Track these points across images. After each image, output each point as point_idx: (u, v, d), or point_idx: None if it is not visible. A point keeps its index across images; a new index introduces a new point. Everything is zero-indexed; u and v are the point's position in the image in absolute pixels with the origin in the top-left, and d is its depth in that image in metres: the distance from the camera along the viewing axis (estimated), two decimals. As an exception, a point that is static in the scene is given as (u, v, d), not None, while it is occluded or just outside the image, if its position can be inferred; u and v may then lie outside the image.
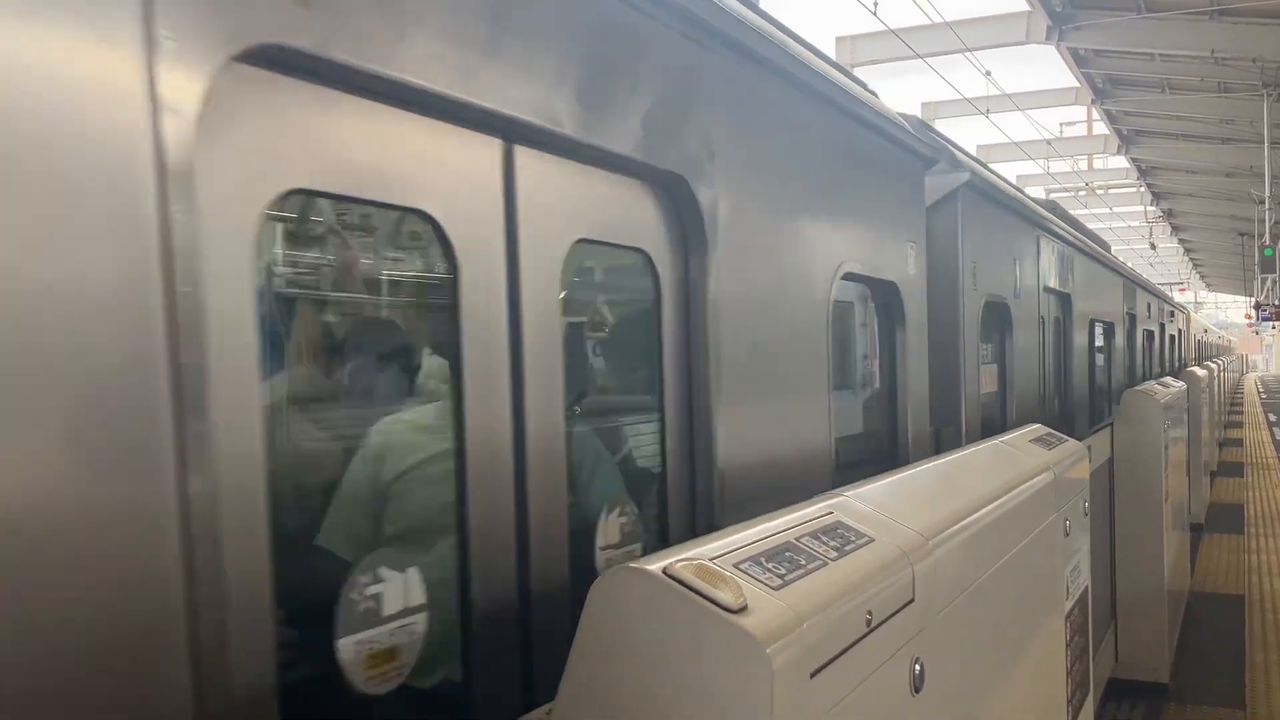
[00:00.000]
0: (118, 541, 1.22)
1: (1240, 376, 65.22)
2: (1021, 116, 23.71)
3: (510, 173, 2.00)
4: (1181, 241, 44.56)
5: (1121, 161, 28.45)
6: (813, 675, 1.57)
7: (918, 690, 2.00)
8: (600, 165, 2.23)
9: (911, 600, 2.00)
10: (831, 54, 3.86)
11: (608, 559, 2.34)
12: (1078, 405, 7.06)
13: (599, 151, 2.16)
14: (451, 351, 1.88)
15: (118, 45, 1.22)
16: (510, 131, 1.98)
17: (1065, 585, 3.63)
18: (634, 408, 2.67)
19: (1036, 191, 31.37)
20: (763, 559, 1.70)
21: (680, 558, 1.56)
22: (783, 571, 1.68)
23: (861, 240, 3.59)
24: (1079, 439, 4.24)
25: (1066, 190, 32.74)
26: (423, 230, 1.89)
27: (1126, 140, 24.56)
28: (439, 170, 1.85)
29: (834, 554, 1.85)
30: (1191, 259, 51.90)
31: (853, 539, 1.97)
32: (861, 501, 2.24)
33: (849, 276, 3.47)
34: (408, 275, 2.32)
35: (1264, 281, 25.96)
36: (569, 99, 2.03)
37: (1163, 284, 35.75)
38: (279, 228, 2.04)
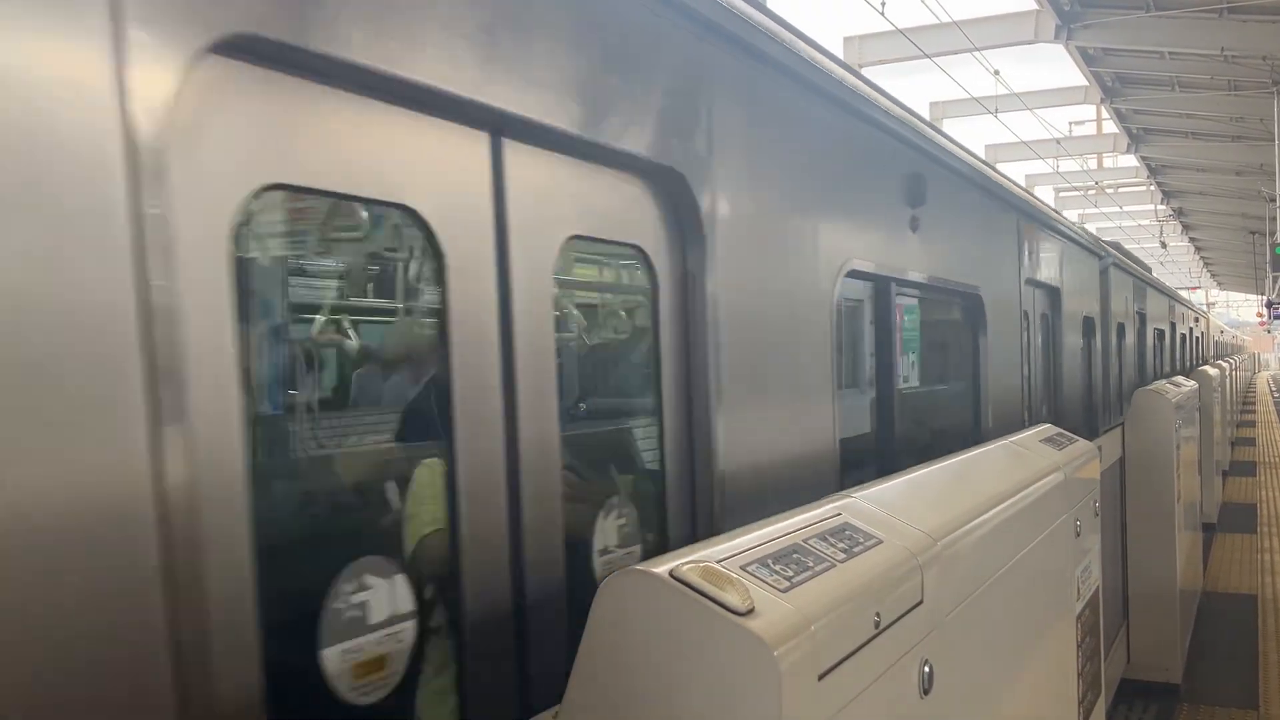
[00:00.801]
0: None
1: (1253, 375, 64.98)
2: (1030, 115, 23.63)
3: None
4: (1192, 240, 44.31)
5: (1131, 160, 28.28)
6: (821, 677, 1.56)
7: (926, 692, 1.99)
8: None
9: (920, 602, 1.99)
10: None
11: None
12: (1147, 377, 11.45)
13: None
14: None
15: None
16: None
17: (1076, 586, 3.62)
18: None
19: (1045, 191, 31.32)
20: (770, 561, 1.69)
21: (687, 560, 1.55)
22: (790, 573, 1.67)
23: (1082, 299, 7.27)
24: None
25: (1076, 189, 32.60)
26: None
27: (1136, 139, 24.45)
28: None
29: (842, 555, 1.84)
30: (1202, 257, 51.63)
31: (861, 540, 1.96)
32: (869, 502, 2.23)
33: (1085, 318, 7.29)
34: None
35: (1275, 280, 25.82)
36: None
37: (1180, 288, 35.81)
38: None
